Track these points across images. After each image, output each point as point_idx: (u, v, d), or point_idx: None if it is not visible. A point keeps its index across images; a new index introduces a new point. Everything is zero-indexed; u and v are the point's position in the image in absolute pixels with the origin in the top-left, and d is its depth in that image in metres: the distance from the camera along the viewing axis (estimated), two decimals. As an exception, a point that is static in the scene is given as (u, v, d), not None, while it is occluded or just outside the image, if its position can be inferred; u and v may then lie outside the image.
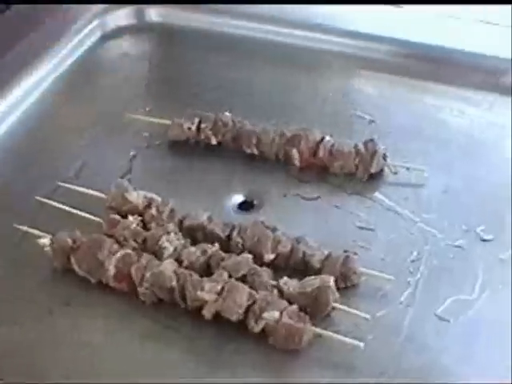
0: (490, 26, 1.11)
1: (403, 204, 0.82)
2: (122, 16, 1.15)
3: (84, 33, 1.11)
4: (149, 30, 1.15)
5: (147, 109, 0.96)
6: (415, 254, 0.76)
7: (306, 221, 0.81)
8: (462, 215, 0.81)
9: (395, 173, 0.86)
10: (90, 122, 0.96)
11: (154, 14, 1.16)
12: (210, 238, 0.75)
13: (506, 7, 1.20)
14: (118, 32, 1.14)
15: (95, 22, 1.13)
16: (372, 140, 0.86)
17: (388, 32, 1.09)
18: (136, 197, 0.79)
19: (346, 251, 0.74)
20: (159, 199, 0.79)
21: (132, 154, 0.90)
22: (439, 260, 0.76)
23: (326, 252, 0.73)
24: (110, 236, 0.75)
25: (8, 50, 1.02)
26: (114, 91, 1.02)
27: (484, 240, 0.78)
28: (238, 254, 0.73)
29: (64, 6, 1.11)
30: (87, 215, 0.79)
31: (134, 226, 0.76)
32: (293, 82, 1.01)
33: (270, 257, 0.74)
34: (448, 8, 1.14)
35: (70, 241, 0.74)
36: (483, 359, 0.67)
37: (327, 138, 0.86)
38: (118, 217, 0.77)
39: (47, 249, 0.75)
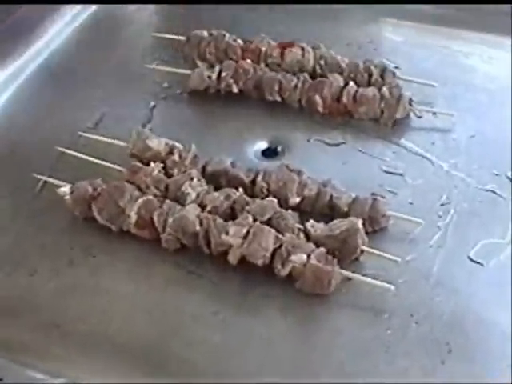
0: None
1: (430, 149, 0.81)
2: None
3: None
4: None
5: (165, 59, 0.95)
6: (444, 197, 0.75)
7: (331, 166, 0.79)
8: (490, 159, 0.79)
9: (420, 117, 0.84)
10: (109, 73, 0.95)
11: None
12: (234, 183, 0.74)
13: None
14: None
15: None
16: (397, 85, 0.84)
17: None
18: (158, 143, 0.77)
19: (373, 194, 0.72)
20: (181, 146, 0.78)
21: (152, 103, 0.89)
22: (469, 203, 0.74)
23: (354, 195, 0.72)
24: (132, 183, 0.73)
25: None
26: (132, 43, 1.01)
27: (515, 183, 0.76)
28: (263, 199, 0.71)
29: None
30: (108, 164, 0.77)
31: (156, 172, 0.74)
32: (319, 29, 0.99)
33: (295, 200, 0.72)
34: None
35: (90, 188, 0.73)
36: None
37: (351, 83, 0.84)
38: (139, 164, 0.75)
39: (67, 197, 0.73)
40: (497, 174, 0.77)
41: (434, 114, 0.84)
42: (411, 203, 0.74)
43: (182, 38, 0.94)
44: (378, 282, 0.65)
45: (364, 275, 0.66)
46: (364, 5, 1.02)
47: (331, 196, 0.71)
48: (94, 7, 1.05)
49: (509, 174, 0.77)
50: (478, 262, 0.69)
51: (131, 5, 1.06)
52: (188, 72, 0.89)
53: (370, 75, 0.86)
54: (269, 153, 0.82)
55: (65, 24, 1.02)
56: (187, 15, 1.04)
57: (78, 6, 1.04)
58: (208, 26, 0.96)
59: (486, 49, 0.96)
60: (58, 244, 0.73)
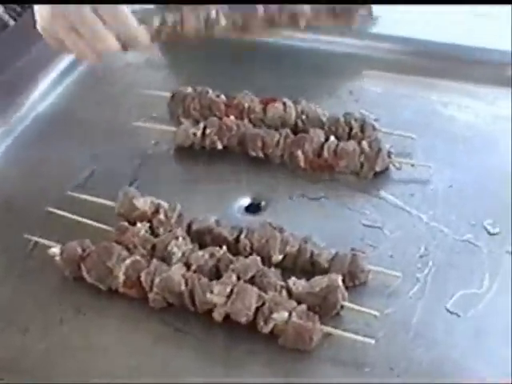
0: (491, 20, 1.12)
1: (409, 201, 0.83)
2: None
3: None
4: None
5: (153, 115, 0.97)
6: (423, 249, 0.77)
7: (312, 220, 0.82)
8: (468, 210, 0.82)
9: (399, 168, 0.87)
10: (96, 131, 0.97)
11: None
12: (218, 241, 0.76)
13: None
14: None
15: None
16: (376, 138, 0.87)
17: (392, 31, 1.10)
18: (144, 203, 0.80)
19: (353, 249, 0.75)
20: (166, 205, 0.80)
21: (139, 160, 0.91)
22: (447, 255, 0.77)
23: (334, 251, 0.74)
24: (120, 243, 0.76)
25: (10, 65, 1.04)
26: (119, 100, 1.03)
27: (491, 234, 0.79)
28: (246, 257, 0.74)
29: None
30: (96, 223, 0.80)
31: (143, 232, 0.76)
32: (299, 81, 1.02)
33: (278, 258, 0.75)
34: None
35: (79, 249, 0.75)
36: (493, 353, 0.68)
37: (331, 138, 0.86)
38: (126, 224, 0.78)
39: (57, 258, 0.75)
40: (473, 224, 0.80)
41: (413, 165, 0.86)
42: (391, 256, 0.77)
43: (167, 94, 0.96)
44: (358, 337, 0.67)
45: (345, 330, 0.68)
46: (345, 57, 1.06)
47: (312, 253, 0.74)
48: (81, 66, 1.08)
49: (485, 224, 0.79)
50: (456, 313, 0.71)
51: (118, 61, 1.09)
52: (174, 129, 0.92)
53: (351, 129, 0.89)
54: (252, 208, 0.84)
55: (52, 83, 1.05)
56: (173, 70, 1.08)
57: (64, 66, 1.07)
58: (194, 80, 0.99)
59: (463, 98, 0.99)
60: (49, 302, 0.75)
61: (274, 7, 0.88)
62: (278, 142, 0.87)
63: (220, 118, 0.91)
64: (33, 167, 0.92)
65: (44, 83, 1.04)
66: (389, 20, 1.12)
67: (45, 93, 1.04)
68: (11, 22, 1.27)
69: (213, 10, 0.88)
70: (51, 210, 0.83)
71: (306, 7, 0.88)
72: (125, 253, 0.74)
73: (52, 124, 0.99)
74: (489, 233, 0.79)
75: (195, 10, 0.87)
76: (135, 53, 1.08)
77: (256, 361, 0.68)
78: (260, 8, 0.88)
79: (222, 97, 0.95)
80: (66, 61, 1.08)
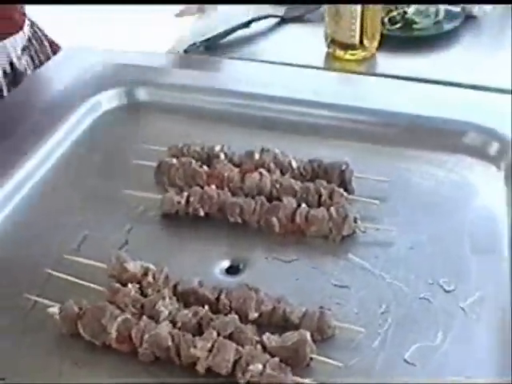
0: (452, 89, 1.22)
1: (374, 262, 0.91)
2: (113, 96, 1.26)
3: (81, 113, 1.21)
4: (138, 108, 1.26)
5: (140, 183, 1.04)
6: (384, 307, 0.85)
7: (285, 281, 0.89)
8: (426, 269, 0.90)
9: (364, 232, 0.95)
10: (89, 197, 1.04)
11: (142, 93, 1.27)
12: (201, 300, 0.84)
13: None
14: (110, 112, 1.25)
15: (88, 105, 1.23)
16: (343, 206, 0.95)
17: (358, 101, 1.20)
18: (134, 266, 0.87)
19: (321, 307, 0.82)
20: (154, 268, 0.87)
21: (128, 226, 0.98)
22: (405, 311, 0.84)
23: (304, 309, 0.82)
24: (112, 303, 0.83)
25: (8, 135, 1.12)
26: (109, 168, 1.10)
27: (446, 291, 0.87)
28: (226, 315, 0.81)
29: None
30: (90, 284, 0.87)
31: (133, 293, 0.84)
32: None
33: (254, 315, 0.82)
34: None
35: (76, 309, 0.82)
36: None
37: (303, 205, 0.95)
38: (118, 285, 0.85)
39: (56, 316, 0.82)
40: (430, 283, 0.88)
41: (377, 229, 0.95)
42: (356, 313, 0.84)
43: (153, 164, 1.05)
44: (325, 386, 0.75)
45: (314, 380, 0.75)
46: (311, 127, 1.15)
47: (284, 311, 0.82)
48: (73, 137, 1.16)
49: (441, 282, 0.88)
50: (413, 364, 0.78)
51: (107, 131, 1.18)
52: (160, 197, 0.99)
53: (320, 196, 0.97)
54: (232, 270, 0.91)
55: (46, 154, 1.12)
56: (162, 133, 1.17)
57: (59, 136, 1.15)
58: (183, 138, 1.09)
59: (424, 165, 1.08)
60: (49, 357, 0.81)
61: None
62: (255, 209, 0.95)
63: (202, 187, 0.99)
64: (32, 231, 0.98)
65: (41, 151, 1.11)
66: (353, 90, 1.23)
67: (41, 161, 1.10)
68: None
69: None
70: (49, 271, 0.89)
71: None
72: (117, 311, 0.81)
73: (47, 192, 1.06)
74: (444, 290, 0.87)
75: None
76: (124, 123, 1.18)
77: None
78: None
79: (204, 167, 1.03)
80: (62, 129, 1.16)
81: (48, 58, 1.46)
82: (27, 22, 1.43)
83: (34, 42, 1.46)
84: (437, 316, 0.84)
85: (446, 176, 1.06)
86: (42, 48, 1.48)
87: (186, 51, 1.52)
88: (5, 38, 1.37)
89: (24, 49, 1.43)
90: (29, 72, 1.42)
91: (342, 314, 0.84)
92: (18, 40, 1.41)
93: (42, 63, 1.45)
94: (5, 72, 1.38)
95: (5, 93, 1.37)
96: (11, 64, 1.39)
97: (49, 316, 0.83)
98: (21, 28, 1.41)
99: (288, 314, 0.82)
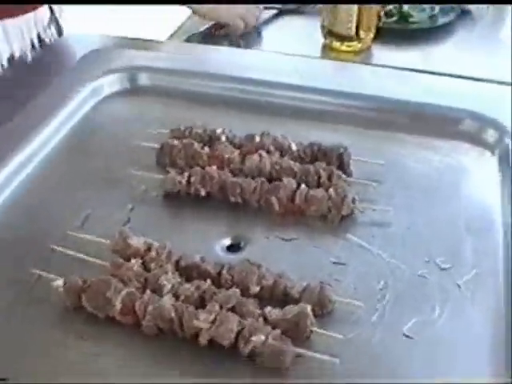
0: (447, 79, 1.25)
1: (371, 241, 0.93)
2: (115, 81, 1.27)
3: (82, 97, 1.23)
4: (140, 93, 1.27)
5: (143, 164, 1.06)
6: (382, 283, 0.87)
7: (286, 259, 0.91)
8: (423, 248, 0.92)
9: (362, 212, 0.97)
10: (92, 177, 1.06)
11: (144, 78, 1.28)
12: (203, 275, 0.85)
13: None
14: (113, 96, 1.26)
15: (90, 89, 1.25)
16: (342, 186, 0.97)
17: (357, 88, 1.22)
18: (137, 241, 0.89)
19: (321, 283, 0.84)
20: (157, 244, 0.89)
21: (130, 205, 0.99)
22: (403, 287, 0.86)
23: (304, 284, 0.84)
24: (116, 276, 0.85)
25: (13, 116, 1.14)
26: (112, 149, 1.12)
27: (442, 269, 0.89)
28: (228, 289, 0.83)
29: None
30: (94, 260, 0.88)
31: (136, 267, 0.85)
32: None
33: (255, 289, 0.84)
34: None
35: (80, 282, 0.84)
36: (443, 372, 0.78)
37: (302, 186, 0.97)
38: (121, 260, 0.87)
39: (61, 290, 0.84)
40: (427, 261, 0.90)
41: (374, 210, 0.97)
42: (354, 288, 0.86)
43: (156, 145, 1.06)
44: (325, 357, 0.77)
45: (314, 351, 0.77)
46: (313, 112, 1.17)
47: (285, 285, 0.83)
48: (77, 118, 1.18)
49: (437, 261, 0.90)
50: (411, 337, 0.80)
51: (110, 113, 1.20)
52: (162, 177, 1.01)
53: (319, 178, 0.99)
54: (233, 248, 0.93)
55: (50, 134, 1.14)
56: (164, 117, 1.19)
57: (64, 115, 1.16)
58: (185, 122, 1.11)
59: (420, 151, 1.10)
60: (53, 329, 0.83)
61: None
62: (255, 189, 0.97)
63: (203, 168, 1.01)
64: (35, 210, 1.00)
65: (44, 132, 1.13)
66: (354, 77, 1.25)
67: (44, 142, 1.12)
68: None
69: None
70: (54, 247, 0.91)
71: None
72: (120, 285, 0.83)
73: (51, 171, 1.07)
74: (440, 268, 0.89)
75: None
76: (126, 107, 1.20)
77: (237, 378, 0.77)
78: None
79: (206, 148, 1.05)
80: (64, 112, 1.17)
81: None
82: None
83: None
84: (433, 292, 0.86)
85: (441, 160, 1.08)
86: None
87: (186, 40, 1.54)
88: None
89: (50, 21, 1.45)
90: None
91: (341, 289, 0.86)
92: (43, 13, 1.42)
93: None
94: (33, 45, 1.40)
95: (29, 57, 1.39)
96: (38, 36, 1.41)
97: (53, 289, 0.84)
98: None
99: (289, 289, 0.83)
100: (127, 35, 1.46)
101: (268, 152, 1.03)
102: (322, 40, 1.56)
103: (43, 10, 1.40)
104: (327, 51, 1.56)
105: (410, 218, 0.97)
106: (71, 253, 0.90)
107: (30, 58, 1.37)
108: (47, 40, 1.42)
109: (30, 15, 1.36)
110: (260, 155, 1.02)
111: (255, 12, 1.60)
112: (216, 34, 1.58)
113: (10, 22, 1.33)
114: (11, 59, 1.34)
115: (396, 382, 0.76)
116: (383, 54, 1.55)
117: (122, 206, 0.99)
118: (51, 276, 0.86)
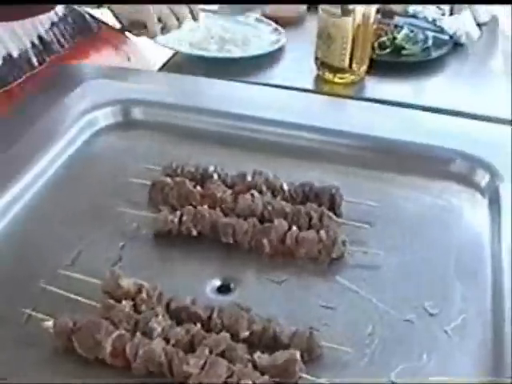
0: (439, 117, 1.26)
1: (361, 284, 0.93)
2: (108, 114, 1.28)
3: (75, 131, 1.23)
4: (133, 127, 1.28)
5: (135, 201, 1.06)
6: (370, 328, 0.87)
7: (276, 301, 0.91)
8: (412, 293, 0.93)
9: (352, 255, 0.97)
10: (83, 213, 1.05)
11: (137, 112, 1.29)
12: (193, 318, 0.86)
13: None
14: (106, 129, 1.26)
15: (84, 122, 1.25)
16: (333, 229, 0.98)
17: (349, 126, 1.23)
18: (128, 283, 0.89)
19: (311, 328, 0.85)
20: (148, 285, 0.89)
21: (122, 243, 0.99)
22: (391, 333, 0.87)
23: (293, 329, 0.84)
24: (106, 318, 0.85)
25: (2, 151, 1.14)
26: (104, 185, 1.12)
27: (431, 314, 0.89)
28: (218, 333, 0.83)
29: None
30: (84, 300, 0.88)
31: (127, 309, 0.86)
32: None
33: (245, 334, 0.84)
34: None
35: (71, 323, 0.84)
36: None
37: (293, 228, 0.97)
38: (112, 301, 0.87)
39: (51, 331, 0.84)
40: (415, 306, 0.90)
41: (365, 252, 0.97)
42: (343, 333, 0.86)
43: (148, 182, 1.07)
44: (313, 404, 0.78)
45: None
46: (302, 151, 1.18)
47: (274, 331, 0.84)
48: (68, 154, 1.18)
49: (426, 306, 0.90)
50: (398, 384, 0.81)
51: (102, 147, 1.20)
52: (153, 215, 1.01)
53: (311, 219, 1.00)
54: (223, 289, 0.93)
55: (42, 169, 1.13)
56: (156, 152, 1.19)
57: (55, 151, 1.17)
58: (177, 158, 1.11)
59: (412, 191, 1.11)
60: (42, 371, 0.82)
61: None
62: (247, 230, 0.97)
63: (195, 207, 1.01)
64: (27, 247, 0.99)
65: (35, 168, 1.13)
66: (344, 115, 1.26)
67: (35, 176, 1.12)
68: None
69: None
70: (44, 286, 0.90)
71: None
72: (111, 327, 0.83)
73: (41, 208, 1.07)
74: (428, 313, 0.89)
75: None
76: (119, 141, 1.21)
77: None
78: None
79: (198, 188, 1.05)
80: (55, 148, 1.17)
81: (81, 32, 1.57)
82: None
83: (68, 19, 1.57)
84: (421, 338, 0.86)
85: (432, 201, 1.09)
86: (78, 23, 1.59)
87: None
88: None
89: (53, 24, 1.53)
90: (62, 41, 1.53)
91: (329, 334, 0.85)
92: (47, 17, 1.50)
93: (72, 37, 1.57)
94: (33, 44, 1.47)
95: (35, 62, 1.47)
96: (40, 37, 1.49)
97: (43, 329, 0.84)
98: (52, 8, 1.50)
99: (278, 334, 0.84)
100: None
101: (260, 192, 1.04)
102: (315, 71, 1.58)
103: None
104: (320, 82, 1.57)
105: (400, 261, 0.98)
106: (62, 292, 0.89)
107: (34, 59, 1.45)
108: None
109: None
110: (252, 195, 1.02)
111: (180, 11, 1.50)
112: (134, 34, 1.56)
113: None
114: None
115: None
116: (376, 86, 1.57)
117: (114, 244, 1.00)
118: (41, 316, 0.86)
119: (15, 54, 1.43)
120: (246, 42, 1.71)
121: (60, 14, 1.55)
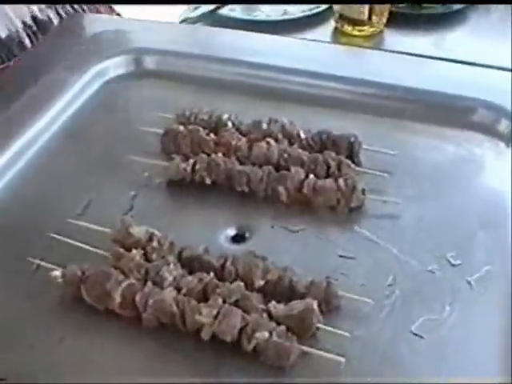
0: (461, 66, 1.22)
1: (380, 234, 0.90)
2: (120, 64, 1.25)
3: (86, 80, 1.20)
4: (145, 76, 1.24)
5: (147, 150, 1.03)
6: (390, 279, 0.84)
7: (292, 250, 0.88)
8: (433, 243, 0.89)
9: (371, 203, 0.94)
10: (94, 163, 1.03)
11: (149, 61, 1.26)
12: (206, 267, 0.83)
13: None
14: (118, 79, 1.23)
15: (94, 71, 1.22)
16: (352, 177, 0.94)
17: (368, 75, 1.19)
18: (139, 231, 0.86)
19: (328, 277, 0.82)
20: (159, 234, 0.86)
21: (133, 192, 0.97)
22: (412, 284, 0.84)
23: (310, 279, 0.81)
24: (116, 268, 0.82)
25: (16, 99, 1.11)
26: (115, 134, 1.09)
27: (453, 265, 0.86)
28: (231, 282, 0.80)
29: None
30: (94, 249, 0.86)
31: (138, 258, 0.83)
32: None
33: (259, 283, 0.81)
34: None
35: (79, 272, 0.81)
36: (452, 372, 0.75)
37: (311, 176, 0.94)
38: (122, 250, 0.84)
39: (59, 280, 0.82)
40: (437, 256, 0.87)
41: (384, 201, 0.94)
42: (362, 284, 0.83)
43: (160, 131, 1.04)
44: (331, 355, 0.74)
45: (319, 349, 0.75)
46: (323, 98, 1.14)
47: (291, 280, 0.81)
48: (78, 103, 1.15)
49: (448, 256, 0.87)
50: (420, 335, 0.78)
51: (114, 97, 1.17)
52: (166, 164, 0.99)
53: (328, 167, 0.96)
54: (237, 238, 0.91)
55: (52, 118, 1.11)
56: (169, 101, 1.15)
57: (63, 102, 1.14)
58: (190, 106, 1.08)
59: (432, 140, 1.07)
60: (51, 321, 0.81)
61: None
62: (262, 178, 0.94)
63: (209, 155, 0.98)
64: (35, 198, 0.97)
65: (44, 117, 1.10)
66: (364, 64, 1.22)
67: (44, 127, 1.09)
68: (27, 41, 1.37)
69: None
70: (53, 235, 0.89)
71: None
72: (121, 276, 0.81)
73: (52, 157, 1.05)
74: (451, 264, 0.86)
75: None
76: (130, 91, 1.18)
77: (239, 377, 0.74)
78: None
79: (212, 135, 1.02)
80: (67, 96, 1.15)
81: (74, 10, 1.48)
82: None
83: None
84: (443, 289, 0.83)
85: (454, 151, 1.05)
86: None
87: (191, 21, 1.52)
88: None
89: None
90: (55, 22, 1.43)
91: (348, 284, 0.83)
92: None
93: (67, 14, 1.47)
94: (25, 23, 1.39)
95: (27, 42, 1.38)
96: (34, 18, 1.40)
97: (51, 279, 0.82)
98: None
99: (294, 284, 0.81)
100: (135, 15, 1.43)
101: (276, 140, 1.00)
102: (332, 24, 1.54)
103: None
104: (338, 35, 1.53)
105: (420, 211, 0.94)
106: (71, 241, 0.87)
107: (26, 40, 1.36)
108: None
109: None
110: (268, 143, 0.99)
111: None
112: None
113: None
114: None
115: (403, 382, 0.74)
116: (395, 39, 1.53)
117: (125, 193, 0.97)
118: (50, 266, 0.84)
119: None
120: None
121: None
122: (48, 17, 1.43)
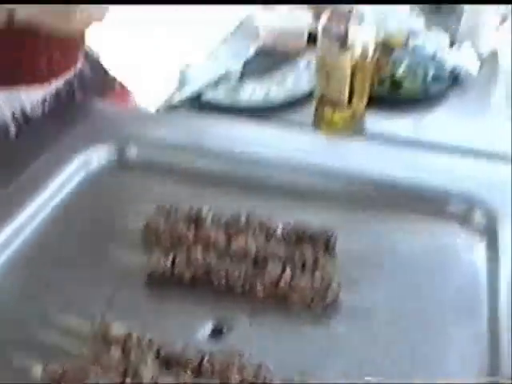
0: (437, 155, 1.26)
1: (354, 330, 0.92)
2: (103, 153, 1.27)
3: (69, 171, 1.22)
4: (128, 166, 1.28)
5: (127, 242, 1.05)
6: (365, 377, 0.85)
7: (267, 346, 0.90)
8: (407, 341, 0.91)
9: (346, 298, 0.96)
10: (76, 255, 1.05)
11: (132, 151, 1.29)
12: (184, 365, 0.84)
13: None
14: (101, 169, 1.26)
15: (80, 161, 1.24)
16: (328, 272, 0.97)
17: (347, 166, 1.22)
18: (118, 328, 0.88)
19: (302, 373, 0.84)
20: (138, 330, 0.88)
21: (113, 286, 0.98)
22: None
23: (284, 376, 0.83)
24: (95, 364, 0.84)
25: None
26: (95, 226, 1.12)
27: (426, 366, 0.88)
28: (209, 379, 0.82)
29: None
30: (74, 345, 0.87)
31: (117, 356, 0.85)
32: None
33: (236, 380, 0.83)
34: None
35: (59, 370, 0.83)
36: None
37: (287, 271, 0.96)
38: (102, 347, 0.86)
39: (39, 376, 0.83)
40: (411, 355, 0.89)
41: (360, 296, 0.96)
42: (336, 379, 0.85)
43: (141, 223, 1.06)
44: None
45: None
46: (296, 191, 1.17)
47: (265, 378, 0.83)
48: (62, 194, 1.18)
49: (420, 355, 0.89)
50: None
51: (97, 188, 1.19)
52: (146, 257, 1.01)
53: (305, 261, 0.99)
54: (215, 333, 0.92)
55: (36, 210, 1.13)
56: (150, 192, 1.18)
57: (42, 199, 1.15)
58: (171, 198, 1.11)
59: (405, 230, 1.11)
60: None
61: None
62: (240, 273, 0.97)
63: (188, 248, 1.01)
64: (16, 290, 0.99)
65: (29, 208, 1.12)
66: (338, 153, 1.25)
67: (30, 216, 1.11)
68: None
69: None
70: (34, 331, 0.89)
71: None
72: (100, 374, 0.82)
73: (34, 249, 1.06)
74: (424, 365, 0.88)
75: None
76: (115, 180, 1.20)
77: None
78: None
79: (192, 228, 1.05)
80: (48, 189, 1.17)
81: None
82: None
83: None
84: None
85: (429, 242, 1.08)
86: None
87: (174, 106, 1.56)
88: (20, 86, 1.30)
89: (45, 101, 1.35)
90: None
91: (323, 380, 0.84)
92: (37, 93, 1.34)
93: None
94: (14, 115, 1.30)
95: (12, 131, 1.31)
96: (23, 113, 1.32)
97: (32, 375, 0.84)
98: (46, 80, 1.34)
99: (269, 381, 0.83)
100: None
101: (254, 234, 1.02)
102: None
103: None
104: (318, 118, 1.57)
105: (395, 304, 0.97)
106: (51, 337, 0.88)
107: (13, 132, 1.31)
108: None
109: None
110: (246, 238, 1.01)
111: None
112: None
113: None
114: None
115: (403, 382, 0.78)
116: (374, 121, 1.55)
117: (105, 288, 0.98)
118: (30, 362, 0.85)
119: None
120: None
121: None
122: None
